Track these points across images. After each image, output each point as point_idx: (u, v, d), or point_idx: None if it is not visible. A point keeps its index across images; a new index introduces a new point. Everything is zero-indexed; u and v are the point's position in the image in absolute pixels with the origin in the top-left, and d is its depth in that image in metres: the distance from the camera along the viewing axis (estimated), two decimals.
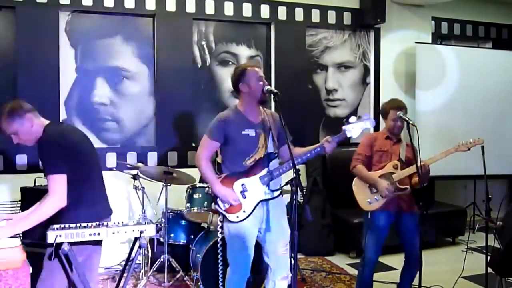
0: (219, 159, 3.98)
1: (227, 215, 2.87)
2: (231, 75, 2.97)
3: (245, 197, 2.85)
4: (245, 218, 2.85)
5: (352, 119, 2.87)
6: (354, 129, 2.85)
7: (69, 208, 2.43)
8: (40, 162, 2.58)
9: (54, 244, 2.23)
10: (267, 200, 2.89)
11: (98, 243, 2.56)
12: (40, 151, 2.43)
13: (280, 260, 2.94)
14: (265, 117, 2.96)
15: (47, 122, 2.55)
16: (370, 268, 3.43)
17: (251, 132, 2.87)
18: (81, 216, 2.44)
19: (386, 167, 3.39)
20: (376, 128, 5.64)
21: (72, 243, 2.26)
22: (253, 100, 2.89)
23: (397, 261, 3.57)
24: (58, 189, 2.35)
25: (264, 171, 2.87)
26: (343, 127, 2.87)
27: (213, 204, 3.40)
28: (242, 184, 2.86)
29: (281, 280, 2.96)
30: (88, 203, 2.51)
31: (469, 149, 3.37)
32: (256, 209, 2.86)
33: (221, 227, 3.01)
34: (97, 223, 2.37)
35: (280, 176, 2.91)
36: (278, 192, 2.93)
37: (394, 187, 3.33)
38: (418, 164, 3.20)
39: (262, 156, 2.88)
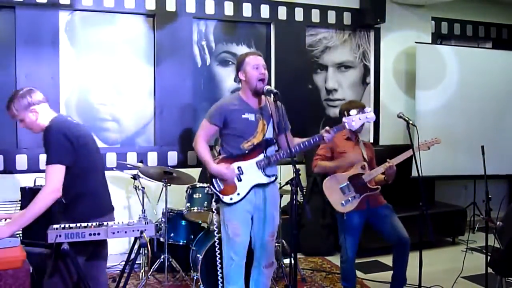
0: (215, 152, 4.00)
1: (221, 196, 2.89)
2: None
3: (240, 180, 2.88)
4: (239, 201, 2.87)
5: (353, 111, 2.91)
6: (355, 122, 2.88)
7: (75, 202, 2.45)
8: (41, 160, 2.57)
9: (54, 244, 2.23)
10: (262, 185, 2.91)
11: (101, 245, 2.57)
12: (44, 140, 2.44)
13: (265, 248, 2.97)
14: (266, 104, 2.98)
15: (55, 114, 2.57)
16: (351, 264, 3.54)
17: (250, 117, 2.90)
18: (86, 210, 2.45)
19: (354, 168, 3.44)
20: (376, 124, 5.68)
21: (72, 244, 2.25)
22: (250, 88, 2.92)
23: None
24: (53, 179, 2.35)
25: (261, 156, 2.90)
26: (344, 119, 2.90)
27: (213, 204, 3.41)
28: (239, 167, 2.89)
29: (265, 268, 2.99)
30: (93, 196, 2.53)
31: (429, 148, 3.44)
32: (250, 193, 2.88)
33: (218, 226, 3.03)
34: (97, 223, 2.37)
35: (276, 162, 2.94)
36: (274, 177, 2.96)
37: (364, 187, 3.40)
38: (417, 160, 3.21)
39: (260, 141, 2.90)
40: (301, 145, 2.90)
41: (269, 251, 3.01)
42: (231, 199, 2.88)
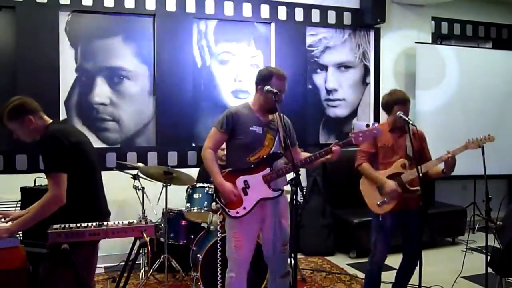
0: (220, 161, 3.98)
1: (227, 209, 2.88)
2: (258, 72, 2.97)
3: (246, 194, 2.86)
4: (245, 215, 2.85)
5: (360, 127, 2.86)
6: (361, 137, 2.83)
7: (73, 207, 2.44)
8: (41, 160, 2.56)
9: (54, 244, 2.23)
10: (268, 199, 2.90)
11: (95, 243, 2.57)
12: (40, 148, 2.43)
13: (278, 260, 2.95)
14: (274, 118, 2.98)
15: (50, 121, 2.56)
16: (379, 268, 3.36)
17: (258, 129, 2.89)
18: (84, 215, 2.44)
19: (394, 167, 3.23)
20: None
21: (71, 243, 2.25)
22: (264, 103, 2.92)
23: (397, 261, 3.56)
24: (57, 187, 2.34)
25: (267, 170, 2.88)
26: (350, 134, 2.86)
27: (213, 204, 3.40)
28: (245, 181, 2.87)
29: (281, 278, 2.97)
30: (91, 201, 2.52)
31: (479, 146, 3.25)
32: (256, 207, 2.87)
33: (221, 227, 3.01)
34: (97, 223, 2.37)
35: (284, 176, 2.92)
36: (280, 192, 2.93)
37: (403, 188, 3.19)
38: (418, 163, 3.15)
39: (267, 154, 2.89)
40: (308, 159, 2.87)
41: (283, 262, 2.97)
42: (237, 213, 2.85)
